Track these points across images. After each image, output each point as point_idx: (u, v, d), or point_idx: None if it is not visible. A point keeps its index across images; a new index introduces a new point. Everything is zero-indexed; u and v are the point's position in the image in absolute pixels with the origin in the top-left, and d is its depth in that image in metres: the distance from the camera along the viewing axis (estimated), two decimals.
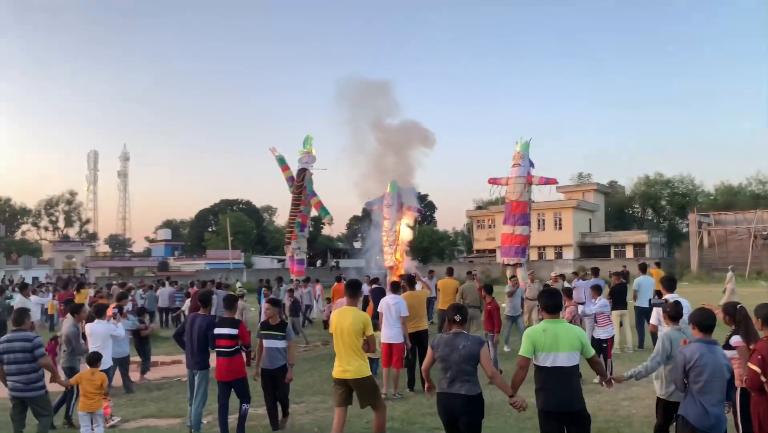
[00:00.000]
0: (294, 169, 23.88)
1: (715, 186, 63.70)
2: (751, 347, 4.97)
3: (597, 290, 10.55)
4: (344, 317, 6.05)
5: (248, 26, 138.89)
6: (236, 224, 66.82)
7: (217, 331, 6.98)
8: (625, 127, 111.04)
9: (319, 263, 60.50)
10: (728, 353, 5.58)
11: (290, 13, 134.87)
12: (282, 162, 24.13)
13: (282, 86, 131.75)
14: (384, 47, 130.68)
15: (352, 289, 6.36)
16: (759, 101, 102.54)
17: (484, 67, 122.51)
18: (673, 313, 5.40)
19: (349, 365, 5.90)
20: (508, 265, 22.68)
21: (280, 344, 7.16)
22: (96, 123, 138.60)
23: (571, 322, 8.87)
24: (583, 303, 11.09)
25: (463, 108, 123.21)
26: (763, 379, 4.62)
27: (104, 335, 8.37)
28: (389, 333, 9.10)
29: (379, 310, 9.42)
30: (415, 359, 9.56)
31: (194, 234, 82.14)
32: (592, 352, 4.74)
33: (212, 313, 16.79)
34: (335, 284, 17.87)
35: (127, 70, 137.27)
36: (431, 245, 63.94)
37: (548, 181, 21.91)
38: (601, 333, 9.86)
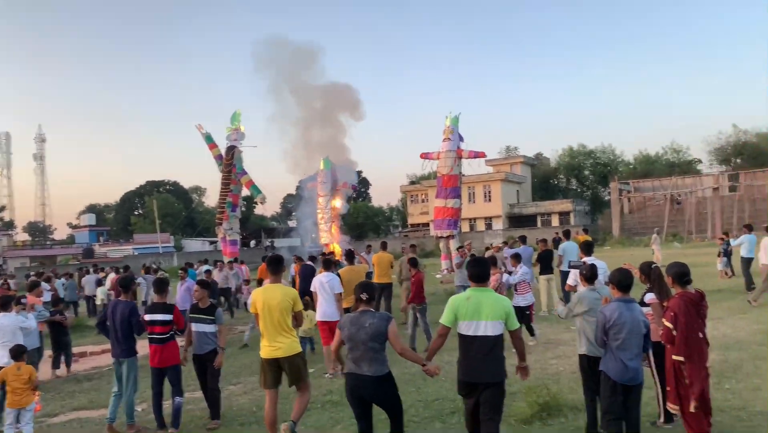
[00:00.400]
0: (222, 147, 23.34)
1: (634, 156, 66.80)
2: (664, 304, 5.26)
3: (517, 258, 10.66)
4: (271, 294, 5.79)
5: None
6: (164, 207, 64.80)
7: (150, 317, 6.73)
8: (550, 99, 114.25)
9: (252, 243, 59.64)
10: (644, 309, 5.97)
11: None
12: (209, 140, 23.51)
13: (208, 60, 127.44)
14: (311, 16, 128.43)
15: (274, 265, 5.98)
16: (679, 74, 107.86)
17: (416, 42, 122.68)
18: (589, 274, 5.65)
19: (280, 343, 5.70)
20: (440, 237, 23.19)
21: (210, 328, 6.83)
22: (8, 103, 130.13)
23: (496, 290, 9.21)
24: (511, 272, 11.34)
25: (396, 83, 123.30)
26: (674, 333, 4.90)
27: (12, 328, 7.72)
28: (326, 311, 8.97)
29: (312, 289, 9.29)
30: None
31: (120, 218, 79.07)
32: (517, 325, 4.63)
33: (144, 299, 16.37)
34: (262, 264, 17.47)
35: (42, 47, 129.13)
36: (366, 221, 64.19)
37: (477, 155, 22.43)
38: (520, 301, 10.01)
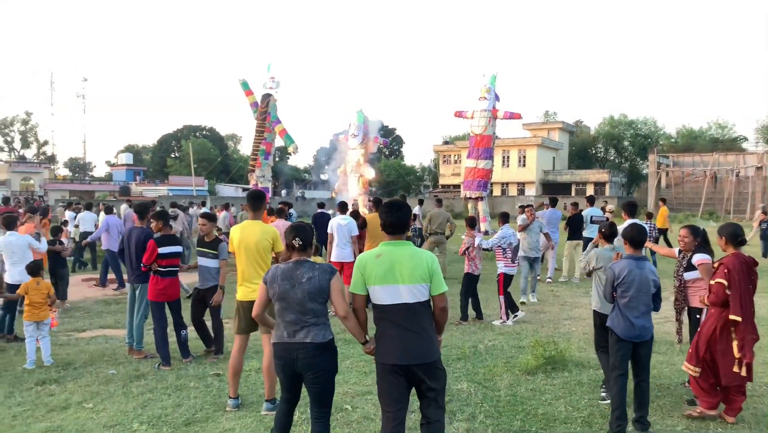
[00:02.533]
0: (258, 95, 23.43)
1: (677, 129, 65.02)
2: (714, 264, 5.13)
3: (504, 218, 9.40)
4: (249, 232, 5.31)
5: None
6: (200, 151, 65.63)
7: (165, 250, 6.62)
8: (593, 67, 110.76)
9: (284, 192, 60.30)
10: (690, 274, 5.89)
11: None
12: (246, 86, 23.59)
13: (247, 9, 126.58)
14: None
15: (255, 201, 5.47)
16: (725, 49, 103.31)
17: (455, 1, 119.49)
18: (608, 233, 5.58)
19: (257, 284, 4.99)
20: (469, 198, 23.09)
21: (212, 263, 6.73)
22: (53, 42, 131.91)
23: (463, 254, 8.98)
24: (486, 233, 10.30)
25: (435, 41, 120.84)
26: (727, 292, 4.77)
27: (22, 246, 7.84)
28: (341, 253, 9.27)
29: (329, 231, 9.53)
30: None
31: (156, 159, 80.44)
32: (443, 288, 3.57)
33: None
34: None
35: None
36: (398, 179, 64.17)
37: (512, 116, 22.07)
38: (501, 267, 8.92)
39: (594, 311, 5.57)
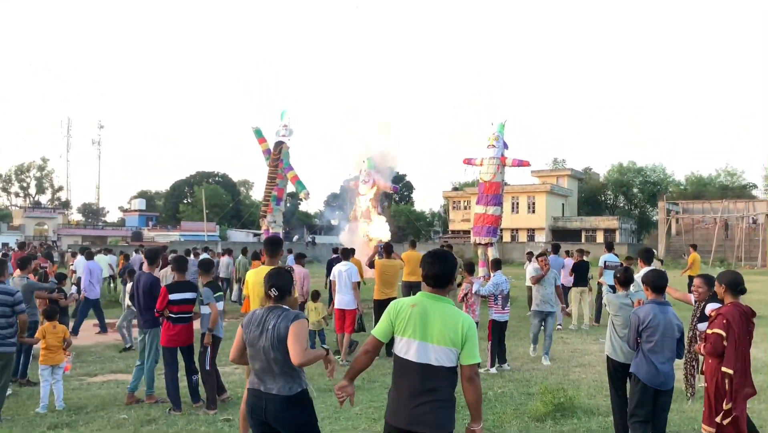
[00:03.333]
0: (271, 143, 23.93)
1: (685, 176, 65.15)
2: (711, 313, 4.90)
3: (496, 264, 9.36)
4: (263, 275, 5.34)
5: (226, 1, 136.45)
6: (212, 197, 66.46)
7: (178, 296, 6.64)
8: (601, 115, 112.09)
9: (295, 237, 60.62)
10: (704, 325, 5.38)
11: None
12: (259, 134, 24.14)
13: (261, 58, 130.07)
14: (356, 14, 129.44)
15: (272, 247, 5.51)
16: (733, 97, 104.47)
17: (465, 51, 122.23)
18: (623, 278, 5.53)
19: None
20: (479, 244, 23.16)
21: (205, 309, 6.73)
22: (71, 89, 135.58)
23: (462, 300, 8.76)
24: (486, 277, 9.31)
25: (444, 89, 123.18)
26: (725, 344, 4.59)
27: (26, 292, 7.63)
28: (342, 299, 9.31)
29: (331, 278, 9.67)
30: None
31: (169, 205, 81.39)
32: (476, 358, 3.22)
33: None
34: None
35: (104, 38, 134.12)
36: (408, 225, 64.41)
37: (521, 163, 22.34)
38: (492, 314, 8.83)
39: (607, 356, 5.51)
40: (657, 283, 4.87)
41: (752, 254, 40.71)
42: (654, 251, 8.82)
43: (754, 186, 60.60)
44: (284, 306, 3.65)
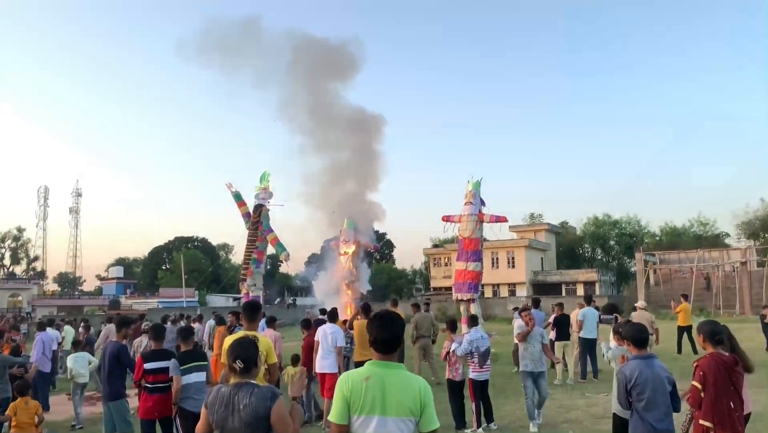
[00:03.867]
0: (251, 206, 24.11)
1: (660, 227, 66.52)
2: (693, 364, 4.89)
3: (473, 320, 9.44)
4: None
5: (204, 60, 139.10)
6: (191, 262, 65.82)
7: (153, 365, 6.43)
8: (575, 169, 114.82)
9: (277, 301, 59.99)
10: None
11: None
12: (238, 198, 24.36)
13: (239, 121, 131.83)
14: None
15: (251, 312, 5.41)
16: (706, 148, 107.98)
17: (443, 110, 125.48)
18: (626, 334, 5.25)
19: None
20: (461, 300, 23.22)
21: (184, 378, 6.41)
22: (47, 157, 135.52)
23: (445, 359, 8.69)
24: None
25: (424, 144, 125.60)
26: (702, 395, 4.57)
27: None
28: (322, 363, 9.08)
29: (315, 338, 9.40)
30: None
31: (147, 272, 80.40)
32: (434, 424, 3.02)
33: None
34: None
35: (81, 101, 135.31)
36: (390, 283, 64.30)
37: (498, 219, 22.75)
38: (470, 373, 8.64)
39: (614, 414, 5.25)
40: (638, 336, 4.70)
41: (730, 301, 41.23)
42: (616, 305, 8.83)
43: (727, 235, 62.04)
44: (252, 381, 3.32)
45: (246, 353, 3.33)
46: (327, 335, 9.17)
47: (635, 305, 14.32)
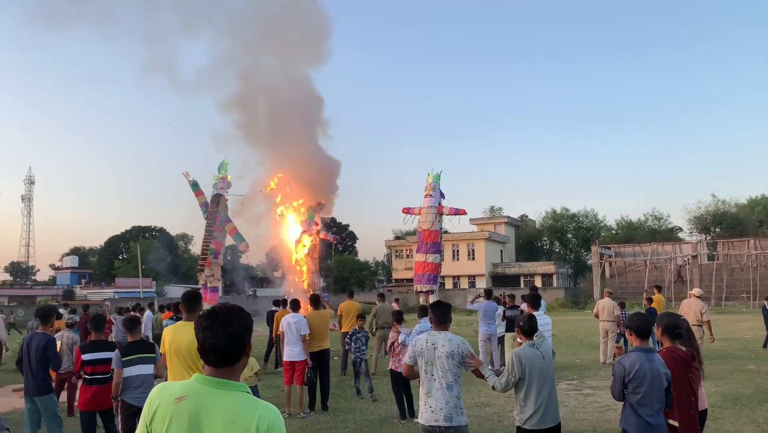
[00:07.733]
0: (208, 195, 23.77)
1: (616, 221, 68.18)
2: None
3: (398, 317, 9.52)
4: (182, 333, 4.90)
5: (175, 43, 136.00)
6: (148, 252, 64.58)
7: (91, 356, 6.40)
8: (536, 162, 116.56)
9: (242, 294, 59.42)
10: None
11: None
12: (196, 187, 23.97)
13: (198, 108, 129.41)
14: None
15: (190, 302, 5.17)
16: (661, 142, 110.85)
17: (404, 103, 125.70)
18: (527, 327, 4.97)
19: None
20: (420, 292, 23.45)
21: (127, 370, 6.28)
22: None
23: (390, 351, 8.89)
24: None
25: (384, 136, 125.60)
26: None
27: None
28: (291, 351, 9.29)
29: (280, 329, 9.64)
30: (316, 378, 9.77)
31: (104, 262, 78.55)
32: None
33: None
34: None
35: (33, 87, 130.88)
36: (351, 275, 64.29)
37: (458, 212, 23.02)
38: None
39: (518, 427, 4.98)
40: (642, 327, 4.45)
41: (681, 294, 42.60)
42: (540, 296, 8.50)
43: (680, 229, 64.02)
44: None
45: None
46: (291, 324, 9.32)
47: (689, 292, 12.80)
